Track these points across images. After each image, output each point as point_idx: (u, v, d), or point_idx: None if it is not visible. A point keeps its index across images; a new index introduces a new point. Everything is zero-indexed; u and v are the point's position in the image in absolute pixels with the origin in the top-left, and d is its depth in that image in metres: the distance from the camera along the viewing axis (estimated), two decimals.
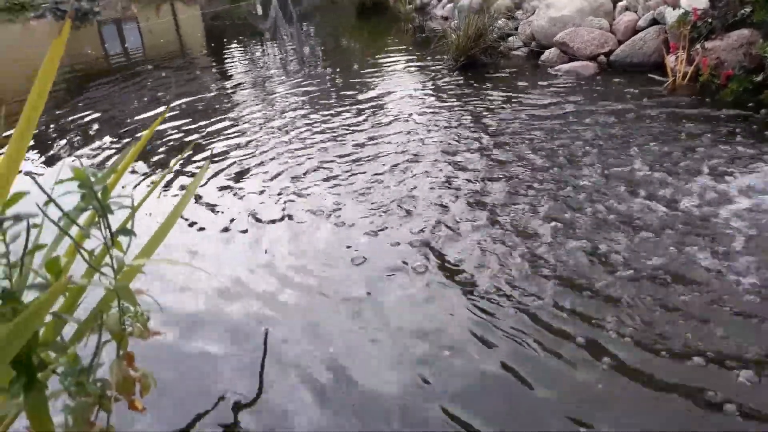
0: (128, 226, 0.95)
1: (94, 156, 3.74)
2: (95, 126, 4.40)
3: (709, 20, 3.83)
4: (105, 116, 4.68)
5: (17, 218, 0.71)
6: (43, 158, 3.81)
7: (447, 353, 1.66)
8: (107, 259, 1.03)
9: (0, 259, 0.87)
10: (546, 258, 2.06)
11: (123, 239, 0.93)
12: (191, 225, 2.60)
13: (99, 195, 0.83)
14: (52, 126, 4.49)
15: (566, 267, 1.99)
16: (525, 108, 3.77)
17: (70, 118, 4.69)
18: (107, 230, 0.87)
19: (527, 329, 1.72)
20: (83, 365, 0.87)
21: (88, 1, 15.63)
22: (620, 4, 4.87)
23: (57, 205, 0.83)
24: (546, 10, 5.03)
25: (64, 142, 4.08)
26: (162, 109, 4.71)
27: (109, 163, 3.58)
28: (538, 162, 2.89)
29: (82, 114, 4.78)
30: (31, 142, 4.08)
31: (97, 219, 0.88)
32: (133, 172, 3.33)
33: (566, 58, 4.70)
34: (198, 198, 2.87)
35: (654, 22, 4.43)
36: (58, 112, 4.92)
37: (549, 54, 4.82)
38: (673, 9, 4.12)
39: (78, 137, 4.17)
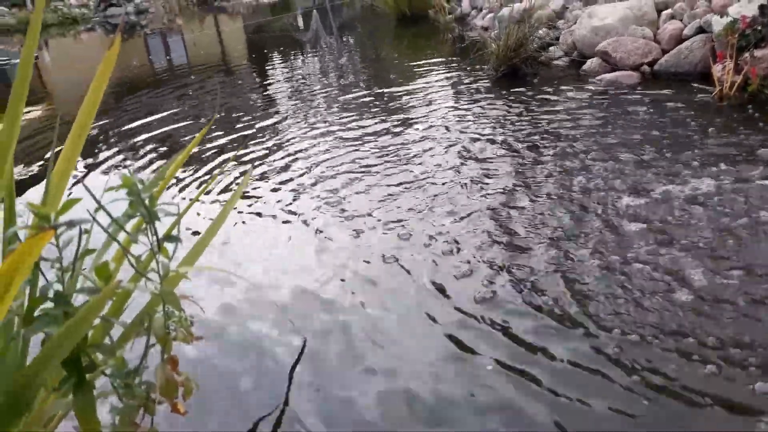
0: (174, 233, 0.97)
1: (140, 164, 3.84)
2: (141, 135, 4.53)
3: (759, 28, 3.73)
4: (150, 125, 4.81)
5: (71, 224, 0.74)
6: (91, 167, 3.93)
7: None
8: (153, 265, 1.06)
9: (54, 263, 0.90)
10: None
11: (169, 246, 0.96)
12: (234, 232, 2.64)
13: (146, 202, 0.86)
14: (100, 135, 4.64)
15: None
16: (564, 117, 3.73)
17: (116, 128, 4.84)
18: (154, 237, 0.90)
19: None
20: (130, 368, 0.90)
21: (135, 14, 16.12)
22: (665, 12, 4.78)
23: (106, 212, 0.86)
24: (588, 19, 4.98)
25: (111, 150, 4.21)
26: (204, 120, 4.83)
27: (152, 171, 3.68)
28: (575, 172, 2.86)
29: (129, 123, 4.94)
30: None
31: (144, 226, 0.91)
32: (177, 181, 3.41)
33: (608, 67, 4.63)
34: (239, 206, 2.92)
35: (700, 30, 4.34)
36: (105, 122, 5.08)
37: (591, 64, 4.76)
38: (721, 17, 4.02)
39: (124, 146, 4.29)
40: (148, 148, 4.18)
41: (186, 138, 4.35)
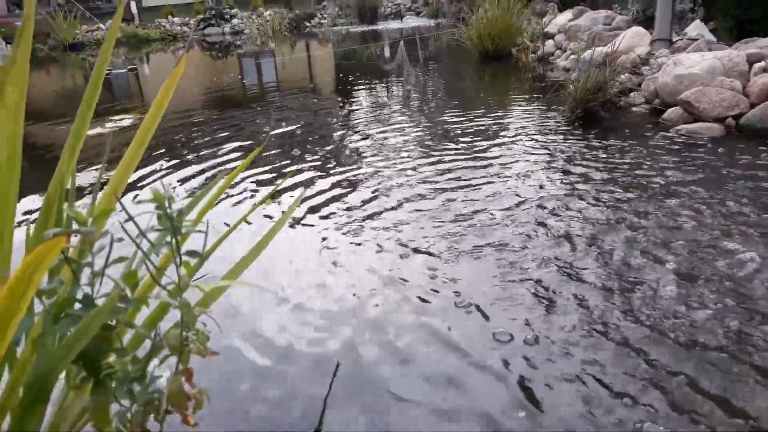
0: (202, 250, 1.01)
1: (204, 176, 3.99)
2: (222, 147, 4.71)
3: None
4: (229, 138, 5.00)
5: (87, 232, 0.79)
6: (161, 171, 4.11)
7: None
8: (185, 278, 1.10)
9: (83, 268, 0.96)
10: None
11: (193, 261, 1.00)
12: (280, 253, 2.70)
13: (173, 217, 0.90)
14: (181, 143, 4.87)
15: None
16: (639, 167, 3.62)
17: (198, 138, 5.07)
18: (177, 251, 0.94)
19: None
20: (135, 373, 0.94)
21: (231, 34, 16.93)
22: (757, 65, 4.58)
23: (135, 224, 0.90)
24: (673, 67, 4.83)
25: (183, 158, 4.39)
26: (279, 134, 4.98)
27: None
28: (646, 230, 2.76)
29: (214, 134, 5.16)
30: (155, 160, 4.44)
31: (170, 239, 0.95)
32: (229, 197, 3.50)
33: (690, 118, 4.47)
34: (289, 229, 2.98)
35: None
36: (188, 131, 5.33)
37: (671, 113, 4.61)
38: None
39: (201, 153, 4.47)
40: (220, 159, 4.35)
41: (261, 154, 4.49)
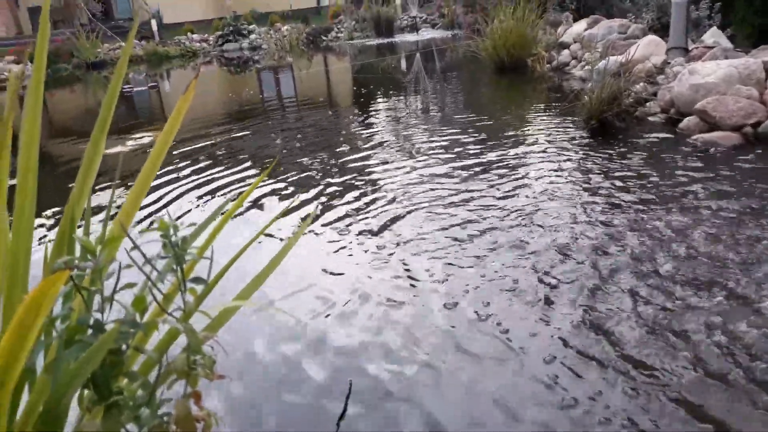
0: (207, 275, 1.04)
1: (220, 196, 4.05)
2: (242, 164, 4.77)
3: None
4: (244, 155, 5.07)
5: (86, 266, 0.82)
6: (179, 188, 4.18)
7: None
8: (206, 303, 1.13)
9: (95, 294, 0.99)
10: None
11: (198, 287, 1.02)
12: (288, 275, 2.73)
13: (177, 245, 0.93)
14: (202, 157, 4.94)
15: None
16: (657, 180, 3.60)
17: (216, 154, 5.14)
18: (182, 279, 0.97)
19: None
20: (142, 398, 0.96)
21: (249, 50, 17.16)
22: None
23: (140, 251, 0.94)
24: (689, 76, 4.79)
25: (202, 176, 4.45)
26: (294, 150, 5.03)
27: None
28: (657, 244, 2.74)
29: (226, 155, 5.23)
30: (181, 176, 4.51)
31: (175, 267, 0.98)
32: (242, 213, 3.55)
33: (707, 127, 4.43)
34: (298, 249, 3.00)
35: None
36: (207, 147, 5.41)
37: (688, 122, 4.57)
38: None
39: (215, 176, 4.53)
40: (235, 177, 4.40)
41: (278, 172, 4.53)
